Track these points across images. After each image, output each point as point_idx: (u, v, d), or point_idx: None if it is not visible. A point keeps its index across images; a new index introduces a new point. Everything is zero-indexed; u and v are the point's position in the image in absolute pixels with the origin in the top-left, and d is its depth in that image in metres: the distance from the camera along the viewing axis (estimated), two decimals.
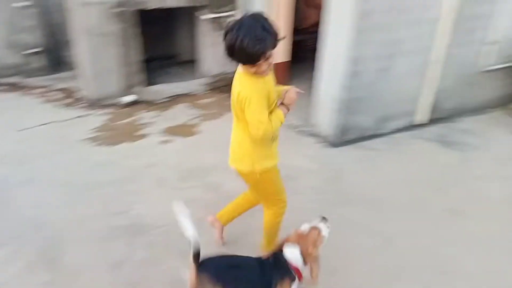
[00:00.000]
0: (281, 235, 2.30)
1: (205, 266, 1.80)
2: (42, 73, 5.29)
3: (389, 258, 2.52)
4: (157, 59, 5.38)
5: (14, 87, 5.00)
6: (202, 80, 5.12)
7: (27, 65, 5.23)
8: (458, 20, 3.71)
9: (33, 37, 5.15)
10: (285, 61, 4.89)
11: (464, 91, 4.26)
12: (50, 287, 2.32)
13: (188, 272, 1.80)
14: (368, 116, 3.78)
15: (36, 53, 5.21)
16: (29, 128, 4.03)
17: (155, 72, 5.12)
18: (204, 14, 4.76)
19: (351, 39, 3.30)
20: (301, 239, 1.89)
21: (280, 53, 4.78)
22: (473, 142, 3.87)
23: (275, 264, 1.86)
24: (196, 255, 1.79)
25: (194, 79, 5.16)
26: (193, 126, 4.18)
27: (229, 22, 1.83)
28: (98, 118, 4.30)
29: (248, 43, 1.72)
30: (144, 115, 4.39)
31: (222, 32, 1.84)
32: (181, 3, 4.61)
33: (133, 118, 4.32)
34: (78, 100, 4.67)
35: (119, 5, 4.22)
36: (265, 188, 2.23)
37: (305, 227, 1.95)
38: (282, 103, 2.03)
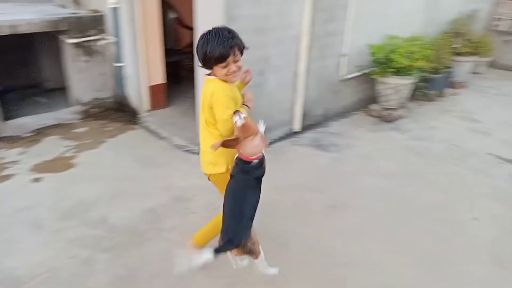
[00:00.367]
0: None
1: None
2: None
3: (283, 259, 2.64)
4: (16, 89, 4.82)
5: None
6: (74, 109, 4.75)
7: None
8: (315, 36, 4.15)
9: None
10: (161, 83, 4.81)
11: (329, 99, 4.77)
12: None
13: None
14: None
15: None
16: None
17: (16, 103, 4.57)
18: (69, 38, 4.45)
19: None
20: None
21: (155, 75, 4.70)
22: (342, 143, 4.33)
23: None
24: None
25: (64, 107, 4.75)
26: (68, 159, 3.83)
27: (198, 38, 2.09)
28: None
29: (217, 42, 2.00)
30: (6, 154, 3.87)
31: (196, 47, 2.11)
32: (36, 29, 4.22)
33: None
34: None
35: None
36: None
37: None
38: (243, 103, 2.24)
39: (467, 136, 4.62)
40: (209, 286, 2.45)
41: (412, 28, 5.40)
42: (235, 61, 2.08)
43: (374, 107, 5.12)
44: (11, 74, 4.81)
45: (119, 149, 4.05)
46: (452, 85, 6.17)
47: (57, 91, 5.07)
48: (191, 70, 5.22)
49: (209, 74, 2.16)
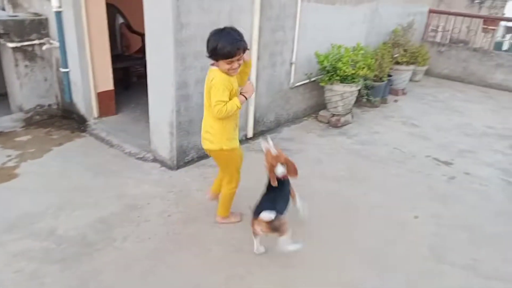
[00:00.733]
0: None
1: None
2: None
3: (240, 261, 2.69)
4: None
5: None
6: (16, 116, 4.50)
7: None
8: (264, 45, 4.27)
9: None
10: (109, 90, 4.69)
11: (280, 105, 4.90)
12: None
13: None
14: None
15: None
16: None
17: None
18: (9, 42, 4.22)
19: (174, 65, 3.41)
20: (275, 159, 2.69)
21: (102, 81, 4.58)
22: (293, 147, 4.47)
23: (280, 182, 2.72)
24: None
25: (5, 115, 4.48)
26: (10, 169, 3.62)
27: (211, 32, 2.46)
28: None
29: (228, 41, 2.37)
30: None
31: (207, 39, 2.46)
32: None
33: None
34: None
35: None
36: (227, 164, 2.84)
37: (270, 149, 2.71)
38: (241, 93, 2.61)
39: (408, 140, 4.94)
40: None
41: (355, 38, 5.72)
42: (238, 60, 2.44)
43: (323, 113, 5.33)
44: None
45: (67, 158, 3.90)
46: (393, 92, 6.59)
47: None
48: (142, 77, 5.15)
49: (212, 64, 2.53)
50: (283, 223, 2.57)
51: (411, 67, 6.70)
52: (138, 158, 3.95)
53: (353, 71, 4.91)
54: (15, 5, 4.75)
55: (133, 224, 3.00)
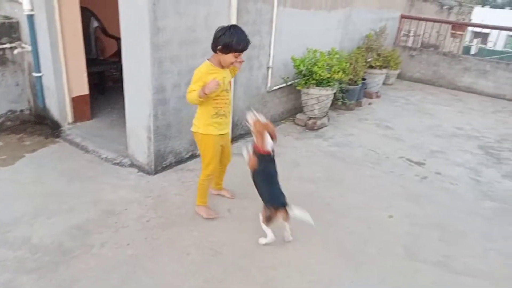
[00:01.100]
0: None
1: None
2: None
3: (220, 266, 2.70)
4: None
5: None
6: None
7: None
8: None
9: None
10: (84, 95, 4.62)
11: (258, 109, 4.93)
12: None
13: None
14: (180, 140, 3.95)
15: None
16: None
17: None
18: None
19: (151, 70, 3.40)
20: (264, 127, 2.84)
21: (77, 86, 4.51)
22: None
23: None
24: None
25: None
26: None
27: (220, 28, 2.73)
28: None
29: (242, 38, 2.68)
30: None
31: (217, 34, 2.71)
32: None
33: None
34: None
35: None
36: (202, 150, 3.01)
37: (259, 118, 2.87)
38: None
39: (382, 141, 5.08)
40: None
41: (330, 43, 5.84)
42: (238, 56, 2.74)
43: (300, 116, 5.41)
44: None
45: (40, 164, 3.81)
46: (368, 95, 6.76)
47: None
48: (117, 81, 5.09)
49: (208, 59, 2.81)
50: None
51: (384, 70, 6.89)
52: (114, 164, 3.90)
53: (329, 75, 5.01)
54: None
55: (111, 230, 2.97)
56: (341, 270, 2.78)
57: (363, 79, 6.28)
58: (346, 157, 4.54)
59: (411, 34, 8.90)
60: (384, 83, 7.29)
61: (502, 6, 29.85)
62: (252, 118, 2.88)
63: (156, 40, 3.36)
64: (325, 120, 5.41)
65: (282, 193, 2.85)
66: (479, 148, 5.09)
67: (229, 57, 2.73)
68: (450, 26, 9.12)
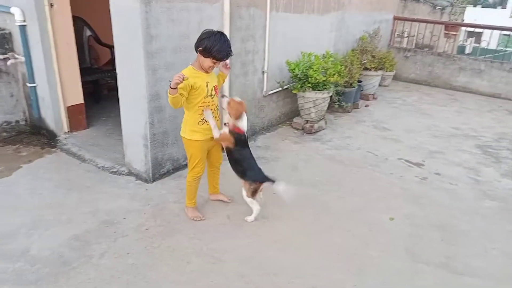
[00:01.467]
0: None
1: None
2: None
3: (219, 273, 2.67)
4: None
5: None
6: None
7: None
8: (235, 54, 4.25)
9: None
10: (79, 104, 4.59)
11: (254, 114, 4.94)
12: None
13: None
14: (178, 147, 3.93)
15: None
16: None
17: None
18: None
19: (145, 77, 3.38)
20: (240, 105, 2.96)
21: (71, 95, 4.48)
22: (269, 155, 4.50)
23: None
24: None
25: None
26: None
27: (208, 30, 2.75)
28: None
29: (224, 47, 2.70)
30: None
31: (202, 35, 2.75)
32: None
33: None
34: None
35: None
36: (188, 153, 3.06)
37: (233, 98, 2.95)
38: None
39: (380, 143, 5.07)
40: None
41: (324, 46, 5.85)
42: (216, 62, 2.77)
43: (297, 120, 5.40)
44: None
45: (37, 175, 3.78)
46: (364, 97, 6.76)
47: None
48: (112, 89, 5.06)
49: (191, 64, 2.85)
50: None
51: (380, 72, 6.90)
52: (112, 172, 3.87)
53: (324, 78, 5.01)
54: None
55: (110, 239, 2.94)
56: (343, 274, 2.76)
57: (359, 81, 6.29)
58: (344, 159, 4.53)
59: (405, 35, 8.94)
60: (380, 85, 7.30)
61: (493, 6, 30.11)
62: (226, 99, 2.95)
63: (150, 47, 3.34)
64: (322, 123, 5.40)
65: (260, 168, 3.07)
66: (477, 148, 5.09)
67: (207, 62, 2.76)
68: (443, 26, 9.17)
